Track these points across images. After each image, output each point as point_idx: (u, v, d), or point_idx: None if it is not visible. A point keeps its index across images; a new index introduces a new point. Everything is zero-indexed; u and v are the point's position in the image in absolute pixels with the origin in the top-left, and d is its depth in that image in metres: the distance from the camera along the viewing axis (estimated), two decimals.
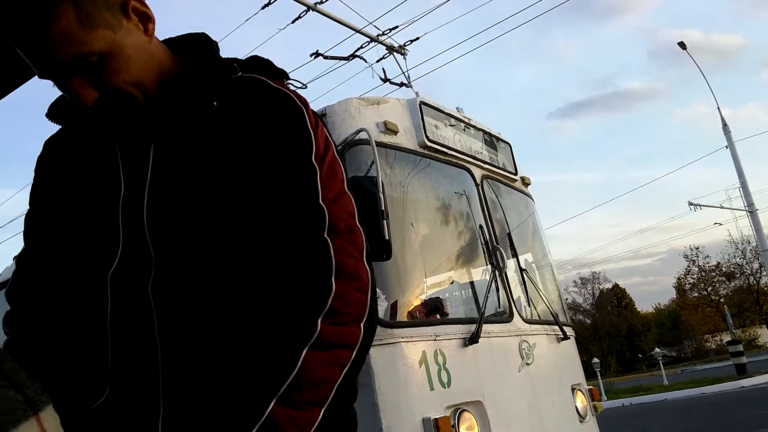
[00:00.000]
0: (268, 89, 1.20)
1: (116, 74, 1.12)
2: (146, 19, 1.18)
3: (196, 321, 1.09)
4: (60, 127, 1.34)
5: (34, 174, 1.36)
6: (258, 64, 1.28)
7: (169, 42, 1.29)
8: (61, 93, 1.24)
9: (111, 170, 1.20)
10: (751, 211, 21.89)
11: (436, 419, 3.15)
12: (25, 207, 1.38)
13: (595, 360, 21.56)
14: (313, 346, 1.02)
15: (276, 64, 1.31)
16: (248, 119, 1.16)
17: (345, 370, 1.06)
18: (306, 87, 1.31)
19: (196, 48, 1.27)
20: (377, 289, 3.36)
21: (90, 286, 1.18)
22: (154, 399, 1.08)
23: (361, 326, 1.08)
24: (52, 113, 1.28)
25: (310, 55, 7.44)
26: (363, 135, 3.44)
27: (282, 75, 1.30)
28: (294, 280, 1.07)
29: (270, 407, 0.98)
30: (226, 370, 1.07)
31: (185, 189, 1.13)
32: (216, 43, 1.29)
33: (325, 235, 1.08)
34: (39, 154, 1.36)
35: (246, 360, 1.04)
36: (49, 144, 1.35)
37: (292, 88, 1.26)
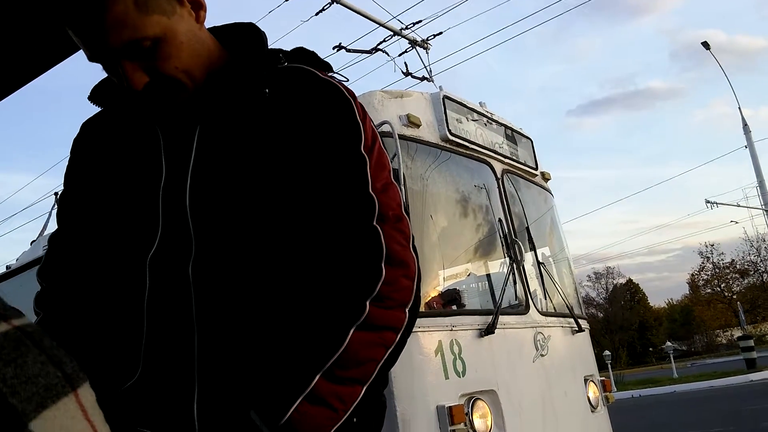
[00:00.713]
0: (317, 80, 1.20)
1: (168, 60, 1.13)
2: (198, 6, 1.19)
3: (237, 302, 1.12)
4: (99, 109, 1.34)
5: (70, 155, 1.36)
6: (303, 56, 1.29)
7: (214, 30, 1.29)
8: (105, 76, 1.25)
9: (152, 154, 1.20)
10: (767, 210, 21.72)
11: (450, 407, 3.21)
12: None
13: (607, 352, 21.56)
14: (360, 327, 1.05)
15: (320, 57, 1.32)
16: (298, 108, 1.17)
17: (389, 352, 1.10)
18: (348, 80, 1.35)
19: (246, 37, 1.28)
20: None
21: (126, 269, 1.19)
22: (189, 378, 1.11)
23: (407, 311, 1.11)
24: (95, 96, 1.28)
25: (333, 48, 7.44)
26: (386, 127, 3.48)
27: (327, 67, 1.30)
28: (346, 264, 1.10)
29: (316, 380, 1.03)
30: (270, 346, 1.10)
31: (231, 173, 1.14)
32: (264, 33, 1.30)
33: (375, 224, 1.11)
34: (76, 135, 1.37)
35: (294, 336, 1.08)
36: (87, 126, 1.36)
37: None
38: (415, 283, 1.14)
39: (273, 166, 1.14)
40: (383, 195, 1.14)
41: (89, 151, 1.32)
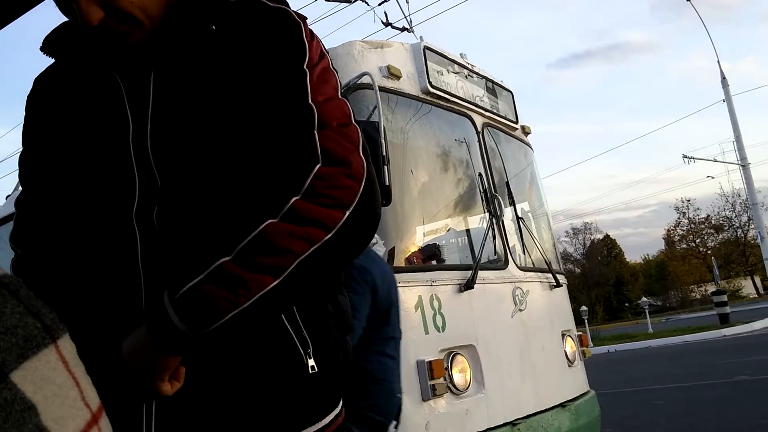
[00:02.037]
0: (266, 8, 1.19)
1: None
2: None
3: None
4: (51, 63, 1.30)
5: (25, 113, 1.32)
6: None
7: None
8: (54, 28, 1.21)
9: (115, 104, 1.17)
10: (744, 165, 21.98)
11: (430, 362, 3.23)
12: (19, 145, 1.31)
13: (583, 308, 21.93)
14: (284, 218, 1.02)
15: None
16: (245, 39, 1.15)
17: (313, 248, 1.03)
18: (306, 18, 1.29)
19: None
20: (375, 235, 3.40)
21: (109, 226, 1.15)
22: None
23: (346, 213, 1.06)
24: (47, 46, 1.24)
25: None
26: (366, 79, 3.41)
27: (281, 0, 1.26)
28: (276, 165, 1.07)
29: (222, 261, 1.00)
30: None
31: (186, 115, 1.12)
32: None
33: (314, 131, 1.08)
34: (29, 92, 1.32)
35: (213, 226, 1.08)
36: (40, 81, 1.31)
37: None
38: (363, 184, 1.08)
39: (224, 102, 1.12)
40: (325, 105, 1.11)
41: (45, 106, 1.27)
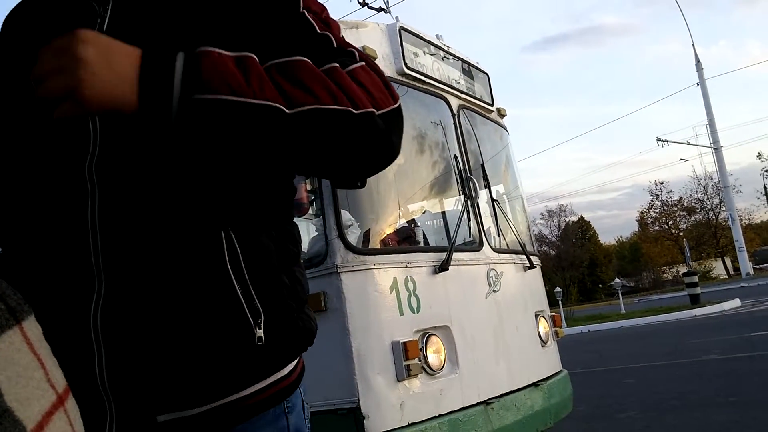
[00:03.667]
0: None
1: None
2: None
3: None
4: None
5: None
6: None
7: None
8: None
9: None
10: (716, 148, 22.30)
11: (404, 342, 3.25)
12: None
13: (558, 289, 22.10)
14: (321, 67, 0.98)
15: None
16: None
17: (336, 109, 0.93)
18: None
19: None
20: (350, 217, 3.40)
21: (52, 181, 1.00)
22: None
23: (376, 111, 0.98)
24: None
25: None
26: None
27: None
28: None
29: (248, 54, 0.93)
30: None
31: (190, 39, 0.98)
32: None
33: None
34: None
35: None
36: (9, 21, 1.14)
37: None
38: (398, 105, 1.04)
39: (220, 36, 0.98)
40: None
41: (14, 50, 1.09)
